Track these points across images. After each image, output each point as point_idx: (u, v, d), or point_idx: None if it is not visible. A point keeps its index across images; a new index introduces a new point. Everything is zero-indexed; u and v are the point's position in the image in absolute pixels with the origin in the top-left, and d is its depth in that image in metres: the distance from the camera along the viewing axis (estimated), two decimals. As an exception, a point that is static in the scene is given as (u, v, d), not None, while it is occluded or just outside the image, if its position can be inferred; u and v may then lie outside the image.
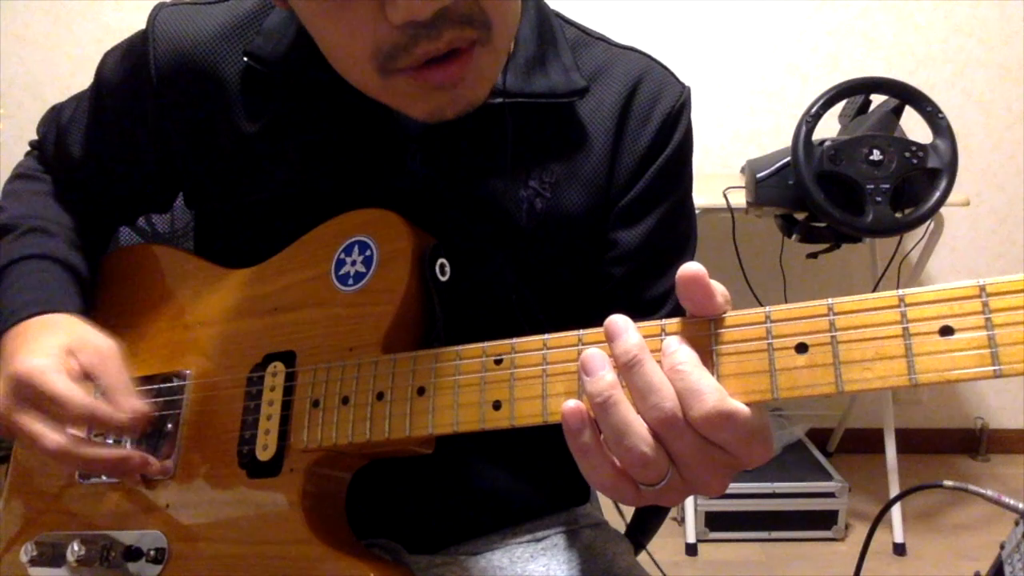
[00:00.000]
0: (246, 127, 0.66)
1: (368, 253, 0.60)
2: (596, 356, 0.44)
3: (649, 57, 0.71)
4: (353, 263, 0.60)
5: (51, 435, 0.58)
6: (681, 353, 0.42)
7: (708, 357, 0.43)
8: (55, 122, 0.76)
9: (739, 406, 0.41)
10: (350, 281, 0.60)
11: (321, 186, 0.65)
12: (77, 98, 0.75)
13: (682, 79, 0.72)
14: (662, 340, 0.44)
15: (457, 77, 0.53)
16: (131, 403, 0.60)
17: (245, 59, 0.64)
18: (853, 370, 0.40)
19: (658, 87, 0.69)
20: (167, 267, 0.74)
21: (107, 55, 0.72)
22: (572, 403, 0.43)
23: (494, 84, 0.59)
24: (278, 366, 0.61)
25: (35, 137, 0.80)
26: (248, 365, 0.62)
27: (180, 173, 0.71)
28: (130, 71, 0.69)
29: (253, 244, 0.67)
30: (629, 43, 0.72)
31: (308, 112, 0.65)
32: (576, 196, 0.67)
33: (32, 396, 0.58)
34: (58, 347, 0.60)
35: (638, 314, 0.69)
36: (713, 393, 0.41)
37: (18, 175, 0.78)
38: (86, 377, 0.60)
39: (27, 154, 0.81)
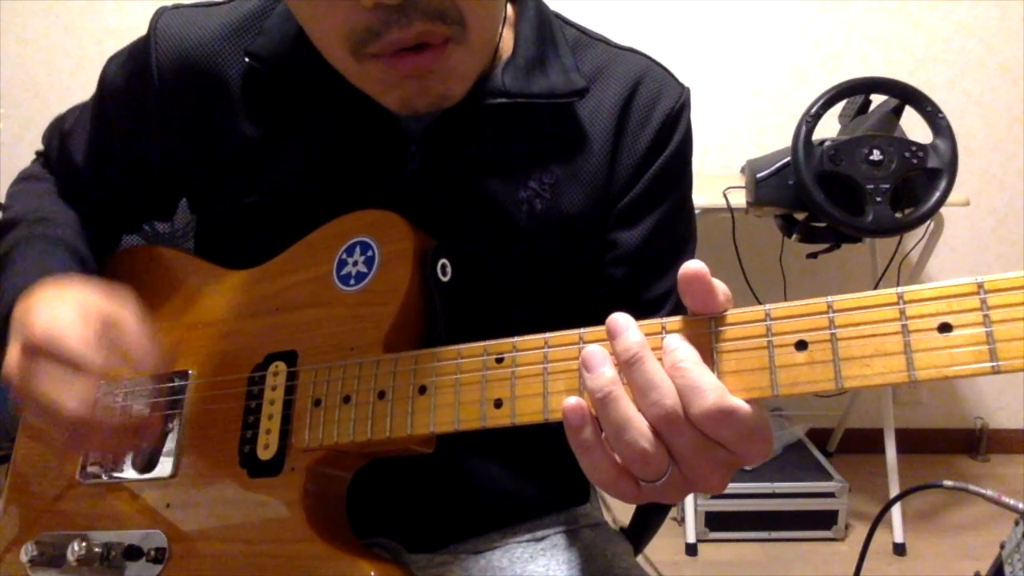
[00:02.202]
0: (248, 128, 0.66)
1: (370, 253, 0.60)
2: (596, 352, 0.44)
3: (649, 58, 0.71)
4: (355, 263, 0.61)
5: (70, 401, 0.57)
6: (682, 351, 0.43)
7: (708, 355, 0.43)
8: (58, 130, 0.76)
9: (739, 403, 0.41)
10: (352, 281, 0.60)
11: (322, 187, 0.65)
12: (80, 107, 0.75)
13: (682, 79, 0.72)
14: (663, 338, 0.44)
15: (426, 68, 0.54)
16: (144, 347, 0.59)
17: (246, 59, 0.64)
18: (852, 367, 0.40)
19: (658, 88, 0.69)
20: (170, 268, 0.74)
21: (110, 61, 0.72)
22: (573, 400, 0.44)
23: (470, 83, 0.59)
24: (280, 366, 0.61)
25: (39, 146, 0.80)
26: (250, 365, 0.63)
27: (184, 177, 0.71)
28: (133, 75, 0.69)
29: (254, 245, 0.67)
30: (629, 43, 0.72)
31: (309, 113, 0.65)
32: (576, 197, 0.67)
33: (50, 360, 0.56)
34: (73, 311, 0.58)
35: (638, 314, 0.70)
36: (713, 390, 0.41)
37: (23, 177, 0.78)
38: (104, 333, 0.59)
39: (32, 162, 0.81)
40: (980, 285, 0.38)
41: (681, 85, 0.71)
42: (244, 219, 0.68)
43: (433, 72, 0.55)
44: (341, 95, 0.62)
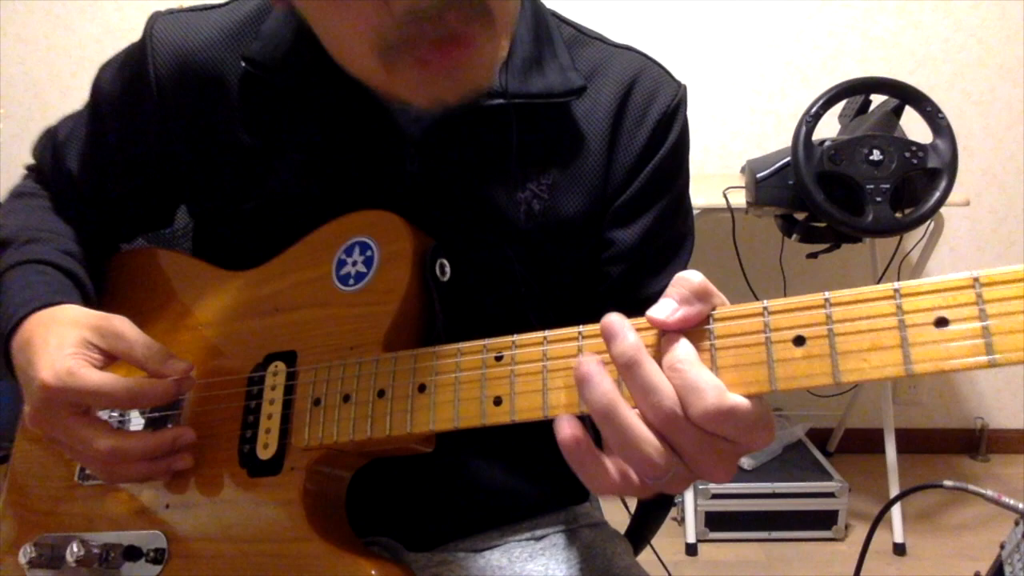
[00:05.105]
0: (247, 132, 0.66)
1: (369, 253, 0.60)
2: (591, 367, 0.44)
3: (645, 56, 0.71)
4: (354, 263, 0.61)
5: (101, 437, 0.57)
6: (679, 349, 0.43)
7: (706, 351, 0.43)
8: (50, 142, 0.75)
9: (739, 400, 0.41)
10: (351, 281, 0.60)
11: (321, 189, 0.65)
12: (72, 117, 0.74)
13: (682, 79, 0.72)
14: (660, 335, 0.44)
15: (461, 60, 0.53)
16: (173, 365, 0.60)
17: (243, 64, 0.64)
18: (850, 361, 0.40)
19: (654, 86, 0.69)
20: (168, 270, 0.74)
21: (103, 69, 0.71)
22: (568, 433, 0.43)
23: (495, 71, 0.58)
24: (279, 365, 0.61)
25: (31, 160, 0.78)
26: (249, 365, 0.63)
27: (183, 182, 0.70)
28: (129, 82, 0.68)
29: (254, 247, 0.67)
30: (629, 43, 0.72)
31: (308, 115, 0.65)
32: (573, 198, 0.67)
33: (69, 401, 0.57)
34: (73, 343, 0.58)
35: (637, 312, 0.69)
36: (712, 390, 0.41)
37: (16, 194, 0.77)
38: (112, 361, 0.60)
39: (24, 177, 0.79)
40: (976, 279, 0.38)
41: (677, 83, 0.71)
42: (243, 222, 0.68)
43: (464, 64, 0.53)
44: (339, 98, 0.62)
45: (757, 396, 0.42)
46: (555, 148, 0.66)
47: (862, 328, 0.40)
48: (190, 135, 0.67)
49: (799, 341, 0.42)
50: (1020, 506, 1.09)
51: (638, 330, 0.45)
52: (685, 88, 0.71)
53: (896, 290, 0.40)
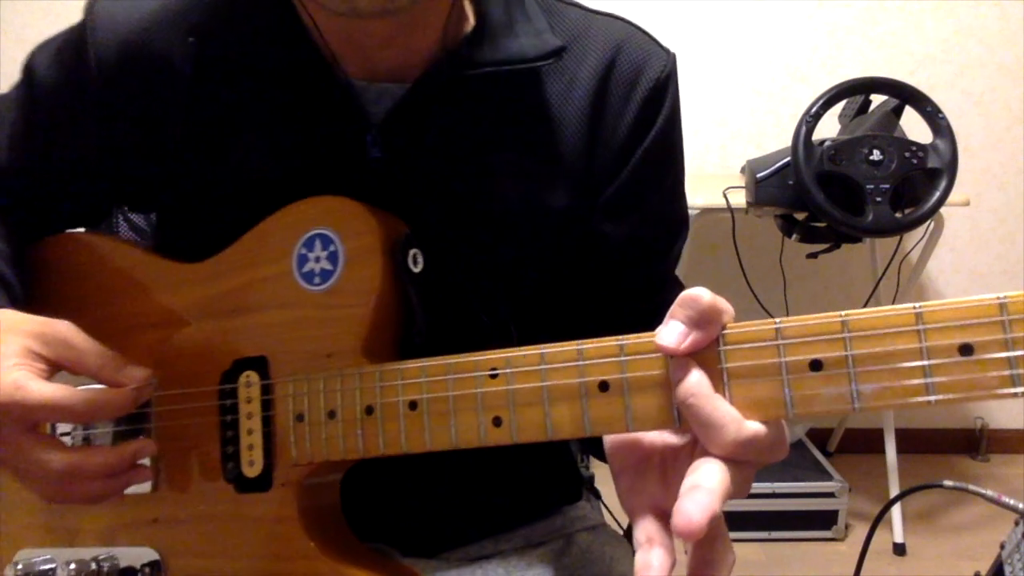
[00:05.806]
0: (199, 115, 0.61)
1: (332, 248, 0.55)
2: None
3: (629, 23, 0.66)
4: (317, 259, 0.56)
5: (56, 455, 0.52)
6: (691, 379, 0.41)
7: (718, 377, 0.42)
8: None
9: (756, 428, 0.41)
10: (316, 280, 0.55)
11: (280, 176, 0.61)
12: None
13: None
14: (669, 358, 0.43)
15: None
16: (130, 373, 0.55)
17: (192, 40, 0.59)
18: (870, 392, 0.39)
19: (641, 57, 0.63)
20: (105, 260, 0.66)
21: (37, 52, 0.66)
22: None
23: None
24: (252, 376, 0.56)
25: None
26: (216, 372, 0.58)
27: (127, 174, 0.65)
28: (68, 66, 0.63)
29: (212, 239, 0.61)
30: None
31: (262, 96, 0.60)
32: (554, 184, 0.62)
33: (18, 417, 0.51)
34: (16, 353, 0.52)
35: (634, 301, 0.68)
36: (731, 423, 0.40)
37: None
38: (57, 372, 0.54)
39: None
40: (1003, 305, 0.36)
41: (665, 51, 0.65)
42: (200, 212, 0.64)
43: None
44: (296, 77, 0.59)
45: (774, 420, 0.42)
46: (530, 127, 0.62)
47: (883, 358, 0.38)
48: (136, 122, 0.62)
49: (816, 366, 0.40)
50: (1020, 506, 1.09)
51: (644, 353, 0.44)
52: (674, 57, 0.65)
53: (918, 315, 0.38)
